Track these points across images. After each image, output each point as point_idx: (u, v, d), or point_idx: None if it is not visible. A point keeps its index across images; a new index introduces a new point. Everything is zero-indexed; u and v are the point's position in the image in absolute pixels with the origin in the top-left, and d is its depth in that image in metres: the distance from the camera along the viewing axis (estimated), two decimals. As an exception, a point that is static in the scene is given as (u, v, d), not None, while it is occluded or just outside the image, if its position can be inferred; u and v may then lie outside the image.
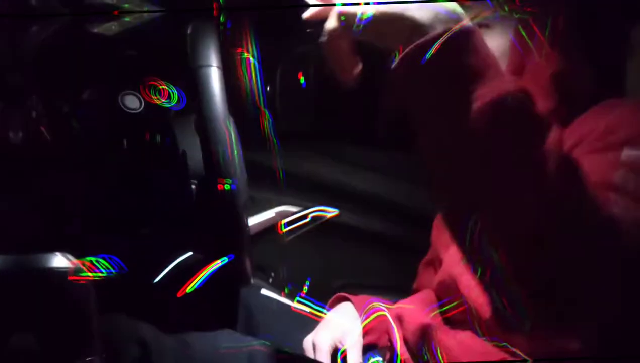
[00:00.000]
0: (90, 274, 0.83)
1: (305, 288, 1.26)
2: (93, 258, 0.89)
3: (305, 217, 1.16)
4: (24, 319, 0.84)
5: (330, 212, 1.28)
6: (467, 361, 1.00)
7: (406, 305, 1.18)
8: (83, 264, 0.83)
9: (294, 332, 1.31)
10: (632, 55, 1.03)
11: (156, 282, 1.17)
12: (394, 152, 1.60)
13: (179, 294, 1.05)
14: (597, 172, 0.82)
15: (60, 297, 0.85)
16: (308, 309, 1.25)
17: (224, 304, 1.32)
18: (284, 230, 1.11)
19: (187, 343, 1.04)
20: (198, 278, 1.04)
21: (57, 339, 0.85)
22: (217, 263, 1.03)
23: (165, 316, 1.10)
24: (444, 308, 1.11)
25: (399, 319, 1.14)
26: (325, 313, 1.26)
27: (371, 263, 1.59)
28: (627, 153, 0.86)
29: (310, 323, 1.28)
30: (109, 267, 0.93)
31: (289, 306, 1.35)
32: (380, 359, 1.08)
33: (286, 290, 1.38)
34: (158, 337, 1.02)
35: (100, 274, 0.89)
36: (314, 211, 1.18)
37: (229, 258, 1.03)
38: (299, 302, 1.27)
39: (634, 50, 1.03)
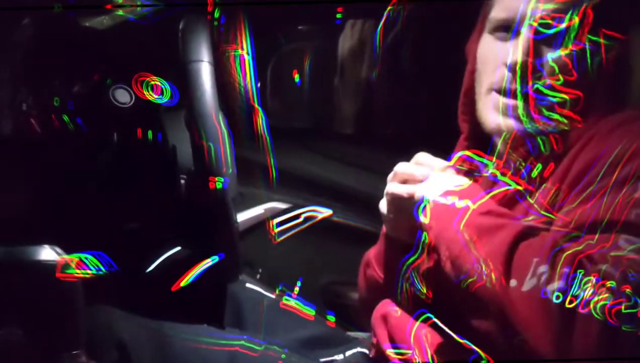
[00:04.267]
0: (78, 271, 0.82)
1: (297, 289, 1.26)
2: (82, 255, 0.88)
3: (297, 216, 1.15)
4: (11, 310, 0.84)
5: (323, 212, 1.27)
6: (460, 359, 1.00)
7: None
8: (72, 261, 0.82)
9: (280, 325, 1.32)
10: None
11: (145, 275, 1.17)
12: (386, 151, 1.60)
13: (173, 288, 1.05)
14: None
15: (48, 289, 0.84)
16: (296, 306, 1.25)
17: (211, 297, 1.32)
18: (276, 230, 1.11)
19: (167, 339, 1.03)
20: (191, 274, 1.03)
21: (44, 331, 0.85)
22: (208, 262, 1.03)
23: (151, 309, 1.10)
24: None
25: (384, 319, 1.14)
26: (313, 312, 1.26)
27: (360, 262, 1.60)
28: None
29: (296, 318, 1.28)
30: (98, 264, 0.93)
31: (276, 300, 1.34)
32: None
33: (277, 290, 1.38)
34: (136, 334, 1.02)
35: (88, 272, 0.89)
36: (306, 211, 1.18)
37: (219, 257, 1.03)
38: (287, 299, 1.26)
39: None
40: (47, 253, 0.85)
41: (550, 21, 0.94)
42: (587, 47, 0.93)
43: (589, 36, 0.93)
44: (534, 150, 0.98)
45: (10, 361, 0.85)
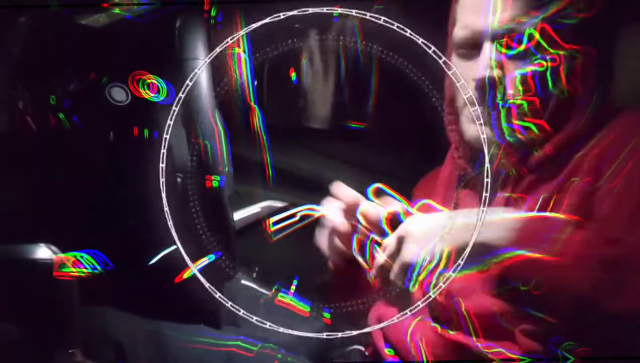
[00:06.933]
0: (74, 270, 0.82)
1: (293, 287, 1.26)
2: (77, 254, 0.88)
3: (294, 215, 1.15)
4: (7, 309, 0.84)
5: (319, 210, 1.27)
6: (458, 359, 1.00)
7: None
8: (68, 260, 0.82)
9: (276, 323, 1.31)
10: (622, 56, 1.03)
11: (141, 274, 1.17)
12: (383, 151, 1.60)
13: (177, 280, 1.04)
14: None
15: (44, 287, 0.84)
16: (291, 302, 1.25)
17: (207, 297, 1.32)
18: (272, 229, 1.10)
19: (163, 339, 1.03)
20: (188, 272, 1.03)
21: (41, 330, 0.85)
22: (205, 261, 1.03)
23: (147, 309, 1.10)
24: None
25: (380, 320, 1.14)
26: (308, 309, 1.26)
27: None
28: None
29: (292, 315, 1.28)
30: (94, 263, 0.93)
31: (272, 298, 1.34)
32: None
33: (273, 289, 1.38)
34: (132, 334, 1.02)
35: (84, 270, 0.89)
36: (303, 209, 1.17)
37: (216, 255, 1.03)
38: (282, 296, 1.26)
39: (625, 51, 1.03)
40: (44, 252, 0.85)
41: (510, 43, 0.96)
42: (550, 60, 0.95)
43: (551, 50, 0.95)
44: (525, 159, 0.99)
45: (6, 359, 0.85)
